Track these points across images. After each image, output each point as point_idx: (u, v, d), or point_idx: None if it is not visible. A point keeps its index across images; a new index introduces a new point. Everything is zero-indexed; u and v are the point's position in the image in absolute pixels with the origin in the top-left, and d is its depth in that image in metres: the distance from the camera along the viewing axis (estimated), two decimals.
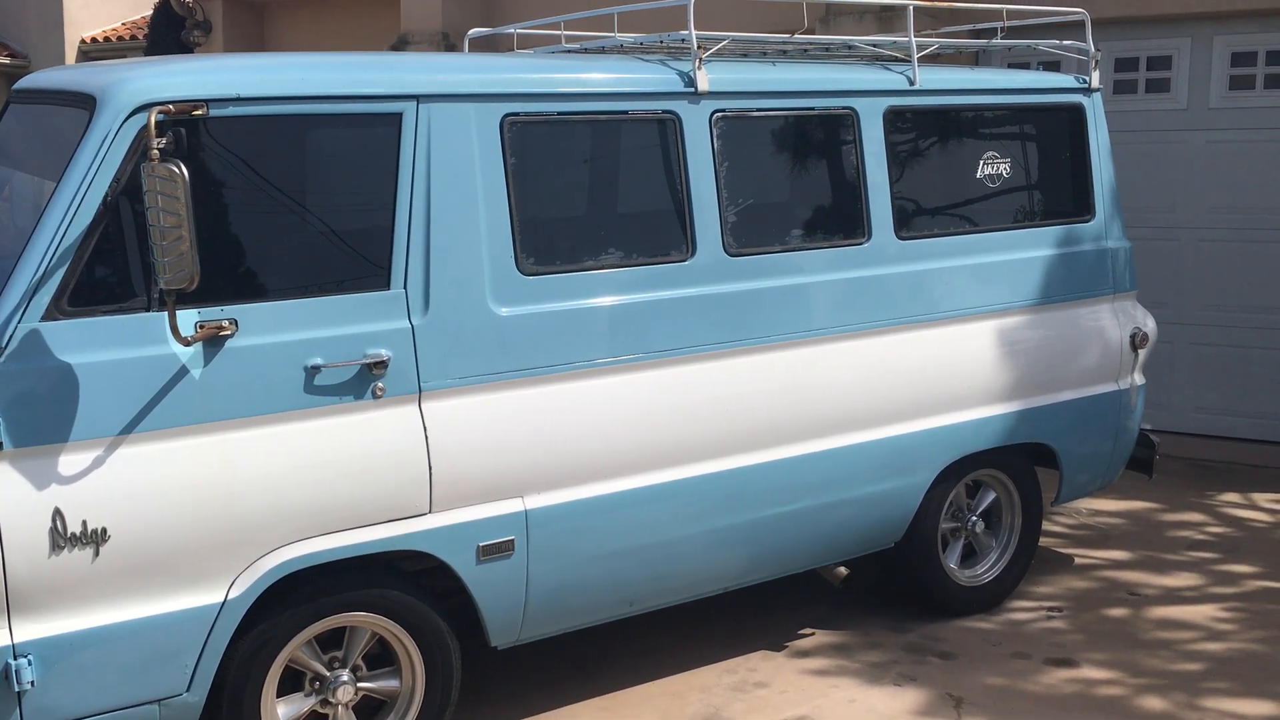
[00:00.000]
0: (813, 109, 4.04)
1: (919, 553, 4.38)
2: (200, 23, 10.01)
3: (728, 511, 3.82)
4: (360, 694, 3.41)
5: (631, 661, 4.19)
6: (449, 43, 8.85)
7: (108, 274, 2.98)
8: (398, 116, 3.29)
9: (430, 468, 3.29)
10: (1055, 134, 4.72)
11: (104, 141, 2.95)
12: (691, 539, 3.79)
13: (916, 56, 4.26)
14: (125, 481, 2.93)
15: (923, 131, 4.35)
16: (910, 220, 4.24)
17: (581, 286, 3.56)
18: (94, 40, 15.45)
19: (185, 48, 9.70)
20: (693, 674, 4.12)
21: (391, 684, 3.45)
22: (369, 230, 3.31)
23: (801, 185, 4.14)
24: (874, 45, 4.39)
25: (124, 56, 14.45)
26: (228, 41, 10.69)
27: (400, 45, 9.03)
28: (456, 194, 3.36)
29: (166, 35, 9.60)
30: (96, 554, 2.90)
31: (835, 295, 4.02)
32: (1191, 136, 6.67)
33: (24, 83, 3.60)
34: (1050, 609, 4.68)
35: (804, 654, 4.28)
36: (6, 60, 15.68)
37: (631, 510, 3.65)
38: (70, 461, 2.89)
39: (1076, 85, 4.69)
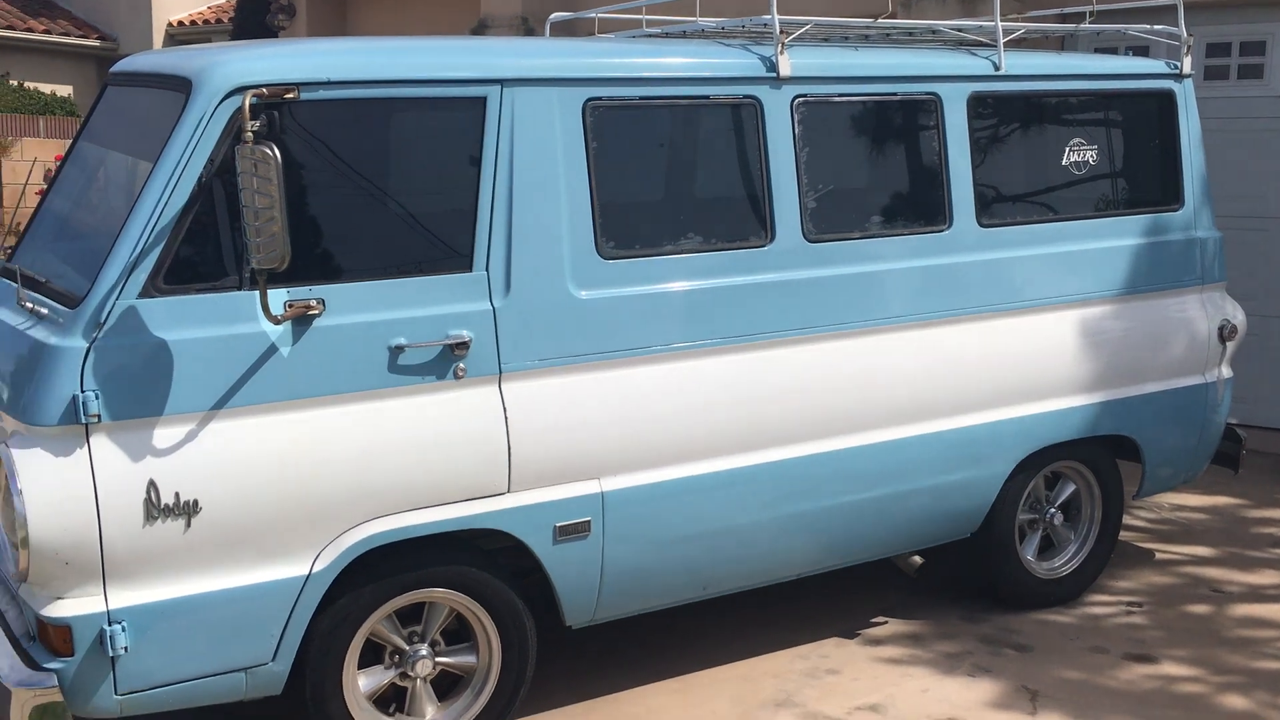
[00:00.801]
0: (895, 94, 4.01)
1: (996, 544, 4.34)
2: (285, 6, 10.17)
3: (804, 497, 3.82)
4: (438, 668, 3.48)
5: (704, 644, 4.21)
6: (528, 27, 8.90)
7: (201, 253, 3.06)
8: (482, 100, 3.33)
9: (509, 448, 3.34)
10: (1144, 121, 4.62)
11: (199, 123, 3.02)
12: (766, 524, 3.80)
13: (1003, 41, 4.19)
14: (216, 455, 3.01)
15: (1007, 117, 4.29)
16: (992, 207, 4.18)
17: (661, 271, 3.57)
18: (181, 24, 15.79)
19: (270, 31, 9.87)
20: (765, 659, 4.13)
21: (469, 659, 3.51)
22: (452, 213, 3.36)
23: (882, 171, 4.11)
24: (959, 30, 4.33)
25: (210, 40, 14.76)
26: (311, 25, 10.86)
27: (479, 30, 9.10)
28: (538, 177, 3.39)
29: (252, 19, 9.78)
30: (188, 525, 2.99)
31: (915, 282, 3.99)
32: None
33: (121, 65, 3.69)
34: (1130, 604, 4.61)
35: (877, 642, 4.27)
36: (96, 43, 16.09)
37: (707, 494, 3.66)
38: (164, 435, 2.98)
39: (1167, 71, 4.59)
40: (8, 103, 12.13)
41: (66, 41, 15.69)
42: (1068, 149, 4.38)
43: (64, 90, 14.91)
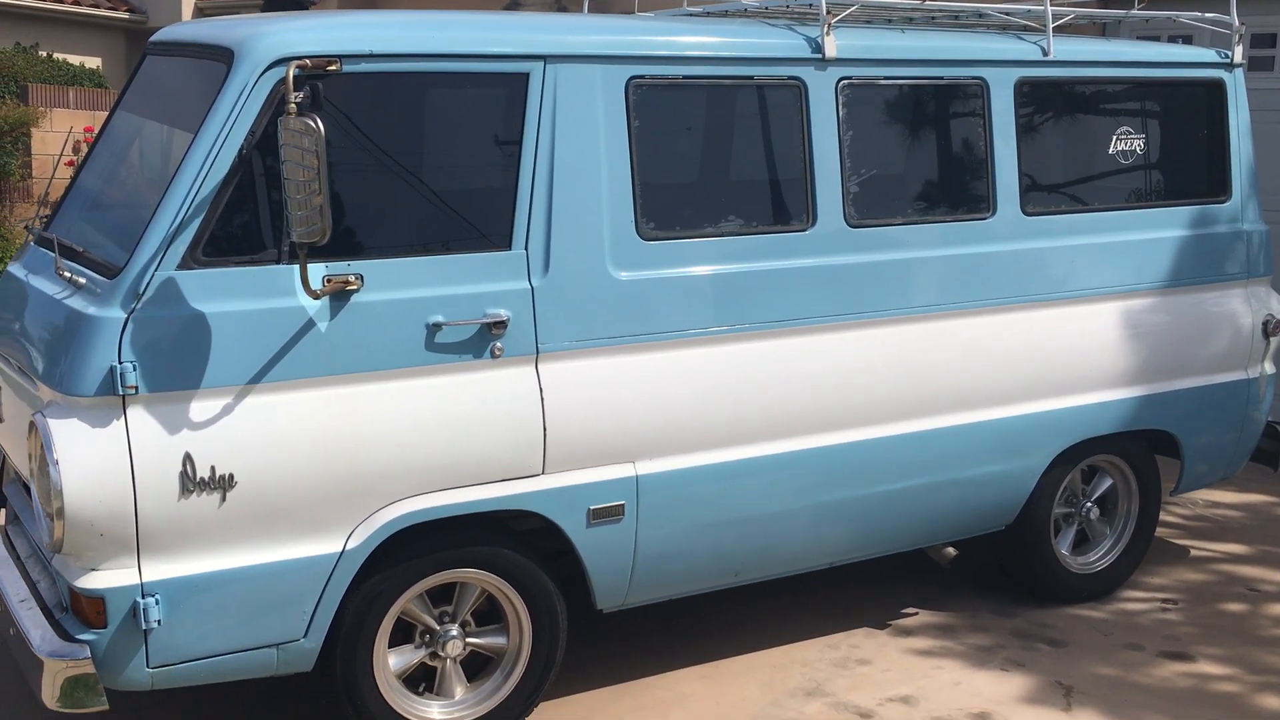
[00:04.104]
0: (941, 78, 3.94)
1: (1030, 537, 4.29)
2: None
3: (838, 486, 3.78)
4: (469, 649, 3.45)
5: (733, 632, 4.18)
6: (561, 5, 8.83)
7: (241, 226, 3.03)
8: (525, 76, 3.28)
9: (545, 429, 3.30)
10: (1193, 110, 4.54)
11: (241, 94, 2.99)
12: (800, 512, 3.76)
13: (1051, 26, 4.12)
14: (253, 430, 2.99)
15: (1054, 104, 4.21)
16: (1037, 195, 4.12)
17: (700, 253, 3.53)
18: None
19: (301, 7, 9.82)
20: (794, 647, 4.09)
21: (499, 641, 3.49)
22: (492, 190, 3.32)
23: (926, 156, 4.05)
24: (1005, 13, 4.26)
25: (239, 13, 14.70)
26: (343, 2, 10.81)
27: (512, 7, 9.04)
28: (579, 156, 3.34)
29: None
30: (223, 499, 2.97)
31: (957, 270, 3.93)
32: None
33: (161, 35, 3.66)
34: (1164, 601, 4.55)
35: (907, 633, 4.23)
36: (125, 16, 16.07)
37: (741, 480, 3.62)
38: (201, 408, 2.95)
39: (1219, 60, 4.50)
40: (38, 73, 12.11)
41: (96, 14, 15.66)
42: (1115, 137, 4.31)
43: (93, 62, 14.88)
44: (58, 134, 10.73)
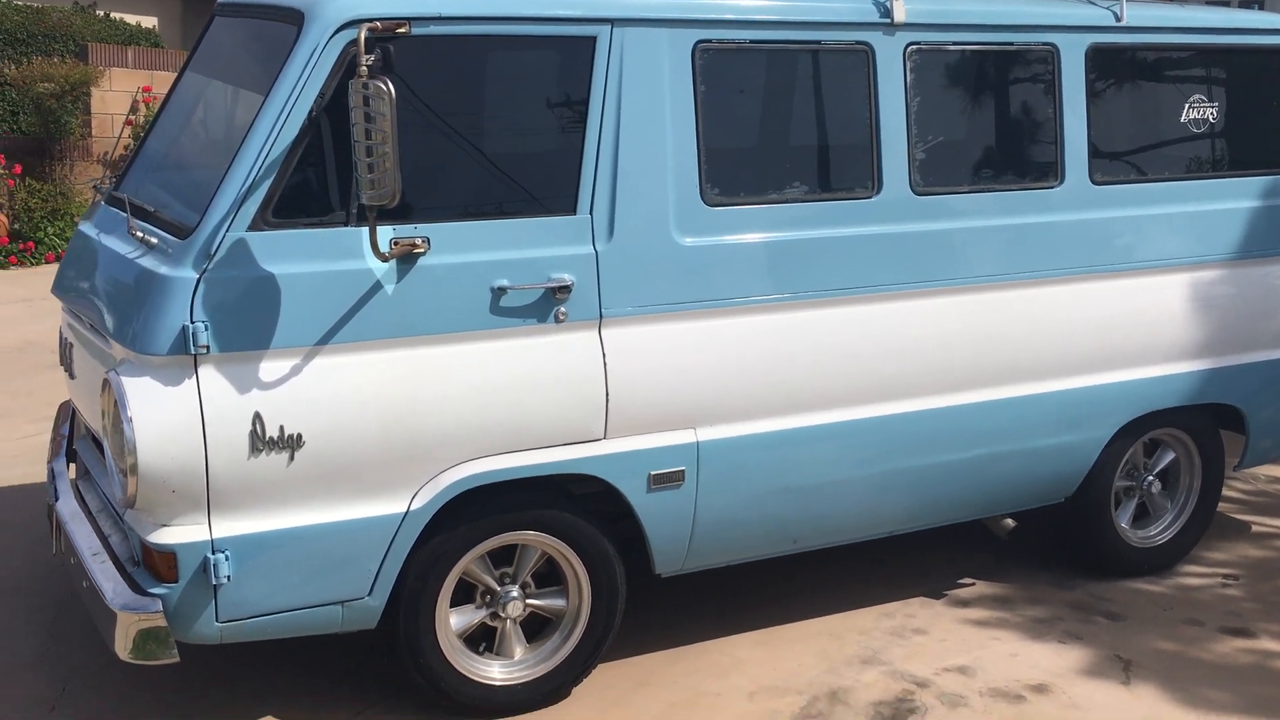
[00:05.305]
0: (1011, 44, 3.87)
1: (1091, 509, 4.25)
2: None
3: (899, 455, 3.76)
4: (528, 610, 3.49)
5: (789, 599, 4.18)
6: None
7: (311, 188, 3.05)
8: (592, 40, 3.27)
9: (607, 394, 3.31)
10: (1267, 79, 4.43)
11: (312, 57, 2.99)
12: (860, 481, 3.75)
13: None
14: (321, 390, 3.02)
15: (1126, 72, 4.13)
16: (1106, 164, 4.05)
17: (765, 219, 3.51)
18: None
19: None
20: (850, 615, 4.10)
21: (558, 603, 3.52)
22: (558, 154, 3.31)
23: (993, 124, 3.99)
24: None
25: None
26: None
27: None
28: (645, 120, 3.33)
29: None
30: (291, 459, 3.00)
31: (1023, 239, 3.88)
32: None
33: None
34: (1225, 576, 4.50)
35: (964, 604, 4.21)
36: None
37: (802, 448, 3.61)
38: (270, 368, 2.99)
39: None
40: (95, 33, 12.22)
41: None
42: (1186, 106, 4.22)
43: (149, 22, 14.98)
44: (117, 93, 10.83)
